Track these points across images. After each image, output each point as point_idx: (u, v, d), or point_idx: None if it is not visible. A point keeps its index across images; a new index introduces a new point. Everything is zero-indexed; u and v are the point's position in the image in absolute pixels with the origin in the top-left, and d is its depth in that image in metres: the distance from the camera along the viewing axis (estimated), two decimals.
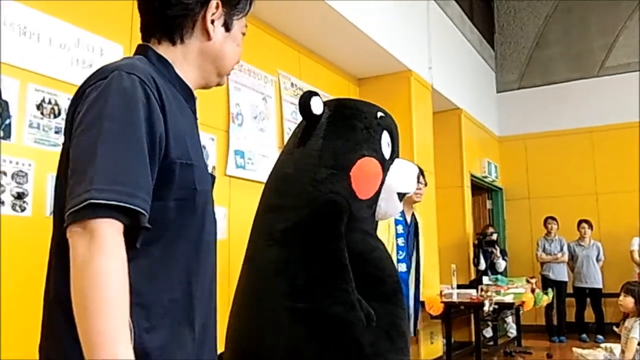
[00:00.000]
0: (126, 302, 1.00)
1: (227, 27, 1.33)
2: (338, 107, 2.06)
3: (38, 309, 1.18)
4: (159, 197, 1.12)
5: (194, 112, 1.34)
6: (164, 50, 1.29)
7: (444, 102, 7.32)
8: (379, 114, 2.09)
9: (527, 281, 7.19)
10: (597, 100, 9.10)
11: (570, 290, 8.25)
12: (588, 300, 8.17)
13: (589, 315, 8.12)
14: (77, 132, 1.10)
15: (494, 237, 7.78)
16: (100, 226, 1.00)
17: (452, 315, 6.29)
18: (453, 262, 6.53)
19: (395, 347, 1.90)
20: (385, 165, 2.04)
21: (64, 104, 2.91)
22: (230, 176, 4.19)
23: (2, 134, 2.71)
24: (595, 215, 8.64)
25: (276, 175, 2.05)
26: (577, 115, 9.20)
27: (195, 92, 1.37)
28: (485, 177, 8.71)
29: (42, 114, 2.90)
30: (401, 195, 2.13)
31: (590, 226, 8.24)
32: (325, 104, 2.04)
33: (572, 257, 8.27)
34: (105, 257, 0.98)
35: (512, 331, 7.93)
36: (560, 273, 8.17)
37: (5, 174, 2.69)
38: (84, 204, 0.99)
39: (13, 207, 2.72)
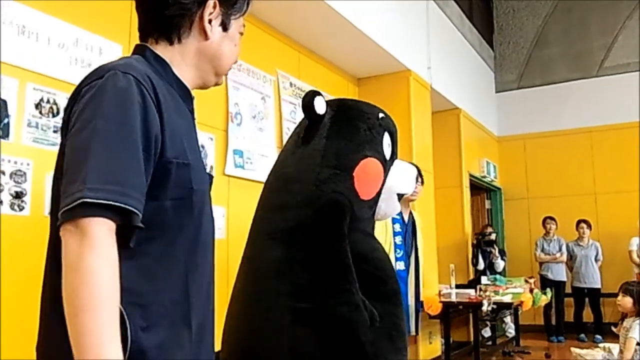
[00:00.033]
0: (116, 301, 1.01)
1: (225, 26, 1.33)
2: (341, 108, 2.07)
3: (37, 308, 1.19)
4: (155, 196, 1.12)
5: (192, 112, 1.34)
6: (162, 50, 1.29)
7: (443, 102, 7.32)
8: (380, 114, 2.10)
9: (526, 281, 7.20)
10: (596, 101, 9.11)
11: (568, 290, 8.26)
12: (587, 300, 8.17)
13: (588, 315, 8.13)
14: (72, 131, 1.10)
15: (493, 237, 7.79)
16: (92, 225, 1.00)
17: (451, 315, 6.30)
18: (452, 262, 6.54)
19: (395, 348, 1.91)
20: (386, 166, 2.05)
21: (63, 103, 2.91)
22: (229, 176, 4.19)
23: (0, 133, 2.71)
24: (594, 215, 8.65)
25: (277, 175, 2.05)
26: (576, 115, 9.20)
27: (194, 92, 1.37)
28: (484, 177, 8.72)
29: (40, 113, 2.90)
30: (400, 196, 2.14)
31: (589, 226, 8.24)
32: (328, 103, 2.04)
33: (571, 257, 8.28)
34: (95, 255, 0.99)
35: (511, 331, 7.94)
36: (559, 273, 8.17)
37: (3, 173, 2.69)
38: (77, 202, 1.00)
39: (11, 206, 2.72)
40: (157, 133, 1.12)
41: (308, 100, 1.96)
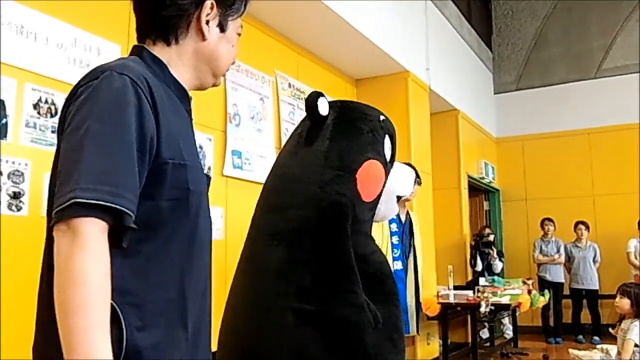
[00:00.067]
0: (107, 301, 1.01)
1: (222, 27, 1.33)
2: (343, 109, 2.07)
3: (35, 308, 1.18)
4: (151, 197, 1.13)
5: (189, 113, 1.34)
6: (159, 51, 1.29)
7: (441, 103, 7.33)
8: (381, 117, 2.11)
9: (524, 282, 7.21)
10: (595, 102, 9.11)
11: (566, 291, 8.26)
12: (584, 301, 8.17)
13: (586, 316, 8.13)
14: (67, 131, 1.11)
15: (491, 238, 7.80)
16: (83, 225, 1.00)
17: (449, 316, 6.31)
18: (450, 263, 6.54)
19: (395, 349, 1.93)
20: (387, 168, 2.06)
21: (61, 103, 2.89)
22: (227, 176, 4.19)
23: None
24: (592, 216, 8.66)
25: (278, 175, 2.05)
26: (575, 116, 9.21)
27: (191, 93, 1.37)
28: (483, 178, 8.72)
29: (38, 113, 2.89)
30: (398, 197, 2.16)
31: (587, 228, 8.25)
32: (330, 105, 2.04)
33: (569, 259, 8.29)
34: (86, 256, 0.99)
35: (509, 332, 7.95)
36: (557, 274, 8.18)
37: (1, 173, 2.69)
38: (69, 203, 1.00)
39: (9, 206, 2.72)
40: (153, 134, 1.13)
41: (311, 101, 1.96)
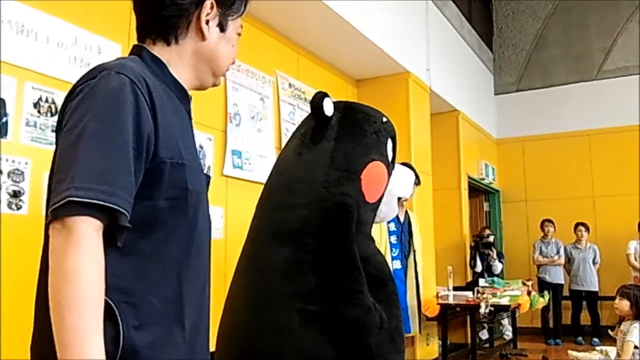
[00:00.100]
0: (100, 300, 1.01)
1: (222, 27, 1.33)
2: (347, 110, 2.08)
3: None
4: (148, 196, 1.13)
5: (189, 113, 1.34)
6: (159, 50, 1.29)
7: (442, 103, 7.33)
8: (384, 119, 2.13)
9: (524, 283, 7.21)
10: (595, 103, 9.11)
11: (566, 292, 8.26)
12: (584, 303, 8.17)
13: (585, 318, 8.13)
14: (64, 130, 1.11)
15: (491, 239, 7.79)
16: (78, 223, 1.01)
17: (448, 317, 6.31)
18: (449, 264, 6.54)
19: (396, 349, 1.94)
20: (389, 169, 2.07)
21: (61, 102, 2.91)
22: (227, 176, 4.19)
23: None
24: (592, 218, 8.66)
25: (283, 175, 2.04)
26: (575, 118, 9.21)
27: (191, 92, 1.37)
28: (483, 179, 8.72)
29: (39, 112, 2.89)
30: (398, 199, 2.17)
31: (587, 229, 8.25)
32: (334, 105, 2.05)
33: (569, 260, 8.28)
34: (80, 254, 0.99)
35: (508, 333, 7.94)
36: (557, 276, 8.18)
37: (1, 172, 2.69)
38: (64, 201, 1.01)
39: (9, 205, 2.72)
40: (150, 133, 1.13)
41: (317, 102, 1.96)
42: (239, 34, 1.40)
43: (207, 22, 1.30)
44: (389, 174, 2.08)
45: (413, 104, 6.10)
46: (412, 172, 3.17)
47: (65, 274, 0.99)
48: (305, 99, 5.24)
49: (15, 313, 2.50)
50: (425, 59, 6.62)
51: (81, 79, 1.17)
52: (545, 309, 8.02)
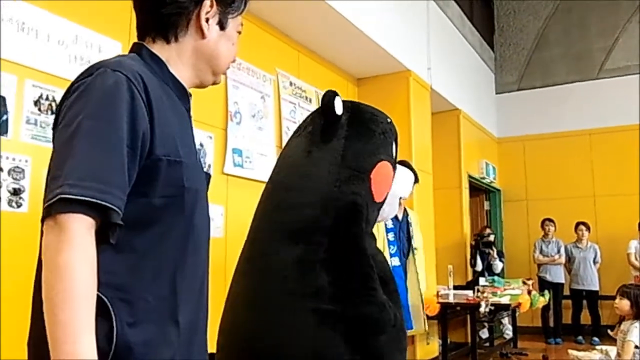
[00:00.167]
0: (92, 297, 1.02)
1: (222, 25, 1.33)
2: (356, 110, 2.08)
3: None
4: (144, 193, 1.13)
5: (188, 110, 1.34)
6: (158, 48, 1.29)
7: (442, 102, 7.32)
8: (388, 119, 2.14)
9: (524, 283, 7.20)
10: (596, 103, 9.11)
11: (567, 292, 8.26)
12: (584, 302, 8.17)
13: (585, 317, 8.13)
14: (59, 128, 1.12)
15: (491, 238, 7.79)
16: (70, 221, 1.01)
17: (449, 316, 6.31)
18: (450, 263, 6.54)
19: (401, 347, 1.95)
20: (394, 170, 2.09)
21: None
22: (227, 174, 4.19)
23: None
24: (593, 217, 8.65)
25: (291, 173, 2.02)
26: (576, 117, 9.20)
27: (192, 90, 1.37)
28: (483, 178, 8.72)
29: (39, 110, 2.89)
30: (399, 198, 2.19)
31: (588, 228, 8.25)
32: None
33: (569, 259, 8.28)
34: (72, 251, 1.00)
35: (508, 332, 7.94)
36: (557, 275, 8.18)
37: (1, 169, 2.69)
38: (56, 198, 1.01)
39: (9, 203, 2.72)
40: (146, 130, 1.13)
41: (328, 100, 1.96)
42: (239, 32, 1.40)
43: (207, 20, 1.30)
44: (394, 175, 2.10)
45: (414, 103, 6.10)
46: (411, 173, 3.16)
47: (58, 271, 0.99)
48: (306, 97, 5.24)
49: (15, 311, 2.50)
50: (426, 58, 6.62)
51: (79, 76, 1.17)
52: (545, 308, 8.01)
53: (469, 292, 6.24)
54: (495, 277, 7.35)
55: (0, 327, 2.54)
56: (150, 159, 1.14)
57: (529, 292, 6.87)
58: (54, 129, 1.19)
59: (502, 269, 7.98)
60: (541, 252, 8.30)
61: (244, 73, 4.46)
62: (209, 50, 1.32)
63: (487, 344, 7.59)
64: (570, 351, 4.98)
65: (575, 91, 9.35)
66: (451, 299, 6.04)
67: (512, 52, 10.01)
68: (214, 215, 3.95)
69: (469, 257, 7.78)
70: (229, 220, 4.11)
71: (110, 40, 3.30)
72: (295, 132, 2.15)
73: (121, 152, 1.08)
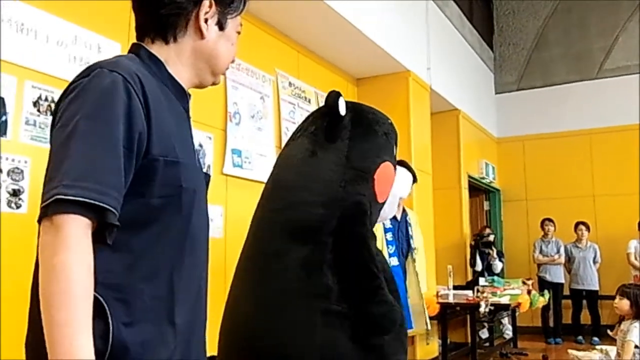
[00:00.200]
0: (89, 297, 1.02)
1: (221, 25, 1.33)
2: (358, 111, 2.09)
3: None
4: (140, 193, 1.13)
5: (187, 111, 1.34)
6: (157, 49, 1.29)
7: (442, 102, 7.32)
8: (389, 120, 2.15)
9: (524, 283, 7.21)
10: (596, 103, 9.11)
11: (566, 292, 8.26)
12: (584, 302, 8.17)
13: (585, 317, 8.13)
14: (56, 128, 1.13)
15: (491, 238, 7.79)
16: (66, 222, 1.02)
17: (448, 316, 6.31)
18: (450, 263, 6.54)
19: (403, 347, 1.96)
20: (395, 171, 2.11)
21: None
22: (227, 175, 4.19)
23: None
24: (593, 217, 8.65)
25: (295, 173, 2.01)
26: (575, 117, 9.20)
27: (191, 91, 1.37)
28: (483, 178, 8.72)
29: (38, 111, 2.89)
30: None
31: (588, 228, 8.25)
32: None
33: (569, 259, 8.28)
34: (68, 252, 1.00)
35: (508, 332, 7.94)
36: (557, 275, 8.18)
37: (1, 170, 2.69)
38: (52, 199, 1.02)
39: (9, 204, 2.72)
40: (142, 131, 1.13)
41: (333, 101, 1.97)
42: (239, 33, 1.40)
43: (206, 20, 1.30)
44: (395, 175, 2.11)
45: (413, 103, 6.10)
46: (409, 173, 3.17)
47: (54, 272, 1.00)
48: (306, 97, 5.24)
49: (15, 312, 2.50)
50: (425, 58, 6.62)
51: (76, 77, 1.18)
52: (545, 308, 8.01)
53: (469, 292, 6.25)
54: (495, 277, 7.35)
55: (0, 327, 2.54)
56: (147, 159, 1.14)
57: (529, 292, 6.87)
58: (51, 129, 1.19)
59: (502, 269, 7.98)
60: (541, 252, 8.30)
61: (243, 73, 4.46)
62: (208, 50, 1.32)
63: (487, 344, 7.59)
64: (570, 351, 4.98)
65: (575, 91, 9.34)
66: (451, 299, 6.04)
67: (511, 52, 10.01)
68: (213, 216, 3.96)
69: (468, 257, 7.78)
70: (228, 220, 4.11)
71: (110, 40, 3.29)
72: (295, 133, 2.15)
73: (118, 153, 1.08)
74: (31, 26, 2.89)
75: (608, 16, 9.29)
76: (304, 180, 1.97)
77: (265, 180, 2.12)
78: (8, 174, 2.73)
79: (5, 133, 2.74)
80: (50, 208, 1.02)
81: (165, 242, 1.18)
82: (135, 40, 1.34)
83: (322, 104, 2.08)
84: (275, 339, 1.80)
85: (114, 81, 1.12)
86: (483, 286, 6.65)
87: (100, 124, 1.08)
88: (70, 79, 1.20)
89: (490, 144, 9.47)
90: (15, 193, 2.75)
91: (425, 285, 4.95)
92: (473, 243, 7.85)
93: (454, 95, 7.62)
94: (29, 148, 2.83)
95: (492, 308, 5.97)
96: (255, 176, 4.30)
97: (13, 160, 2.75)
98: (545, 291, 7.60)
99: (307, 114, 2.29)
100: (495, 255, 7.72)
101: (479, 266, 7.65)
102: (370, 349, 1.80)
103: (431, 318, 5.85)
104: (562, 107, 9.33)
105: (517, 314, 7.65)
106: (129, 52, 1.31)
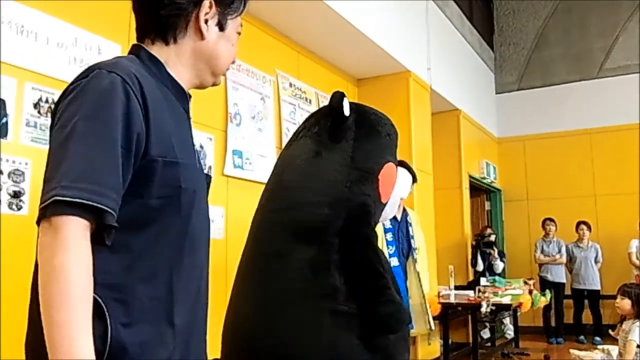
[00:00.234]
0: (88, 298, 1.02)
1: (221, 26, 1.33)
2: (361, 112, 2.09)
3: None
4: (139, 194, 1.13)
5: (187, 111, 1.34)
6: (157, 50, 1.29)
7: (442, 103, 7.32)
8: (390, 120, 2.16)
9: (525, 282, 7.20)
10: (596, 102, 9.11)
11: (568, 291, 8.25)
12: (586, 301, 8.16)
13: (587, 316, 8.12)
14: (55, 130, 1.13)
15: (492, 238, 7.79)
16: (65, 223, 1.02)
17: (450, 316, 6.30)
18: (451, 263, 6.53)
19: (406, 346, 1.98)
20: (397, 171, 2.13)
21: None
22: (227, 176, 4.19)
23: None
24: (594, 217, 8.65)
25: (300, 173, 2.01)
26: (576, 116, 9.20)
27: (192, 92, 1.37)
28: (484, 178, 8.72)
29: (39, 112, 2.89)
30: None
31: (589, 228, 8.24)
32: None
33: (571, 259, 8.28)
34: (67, 253, 1.00)
35: (510, 332, 7.94)
36: (558, 274, 8.17)
37: (1, 172, 2.69)
38: (50, 200, 1.02)
39: (9, 205, 2.72)
40: (141, 131, 1.13)
41: (338, 101, 1.97)
42: (239, 33, 1.40)
43: (206, 21, 1.30)
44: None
45: (414, 103, 6.10)
46: (409, 173, 3.16)
47: (54, 273, 1.00)
48: (306, 98, 5.24)
49: (15, 313, 2.50)
50: (426, 58, 6.62)
51: (75, 78, 1.18)
52: (547, 308, 8.00)
53: (470, 293, 6.24)
54: (497, 277, 7.35)
55: (0, 328, 2.54)
56: (146, 160, 1.14)
57: (530, 292, 6.86)
58: (50, 130, 1.19)
59: (503, 269, 7.97)
60: (542, 251, 8.29)
61: (244, 74, 4.45)
62: (208, 51, 1.32)
63: (489, 344, 7.58)
64: (572, 351, 4.97)
65: (575, 91, 9.34)
66: (452, 299, 6.04)
67: (511, 51, 10.01)
68: (214, 217, 3.95)
69: (469, 257, 7.78)
70: (229, 221, 4.11)
71: (110, 42, 3.29)
72: (297, 133, 2.14)
73: (116, 154, 1.08)
74: (31, 28, 2.89)
75: (608, 16, 9.29)
76: (308, 180, 1.97)
77: (266, 181, 2.11)
78: (9, 176, 2.73)
79: (5, 135, 2.74)
80: (49, 209, 1.02)
81: (165, 243, 1.18)
82: (135, 42, 1.34)
83: (322, 104, 2.09)
84: (275, 339, 1.80)
85: (112, 82, 1.12)
86: (484, 286, 6.65)
87: (98, 125, 1.08)
88: (71, 81, 1.20)
89: (490, 143, 9.47)
90: (16, 195, 2.75)
91: (428, 285, 4.94)
92: (474, 243, 7.84)
93: (455, 95, 7.62)
94: (30, 150, 2.83)
95: (493, 308, 5.97)
96: (256, 177, 4.30)
97: (14, 162, 2.75)
98: (547, 291, 7.59)
99: (307, 114, 2.29)
100: (496, 255, 7.71)
101: (480, 266, 7.65)
102: (376, 349, 1.81)
103: (433, 318, 5.86)
104: (563, 107, 9.33)
105: (518, 314, 7.63)
106: (129, 53, 1.31)
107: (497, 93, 10.01)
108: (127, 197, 1.11)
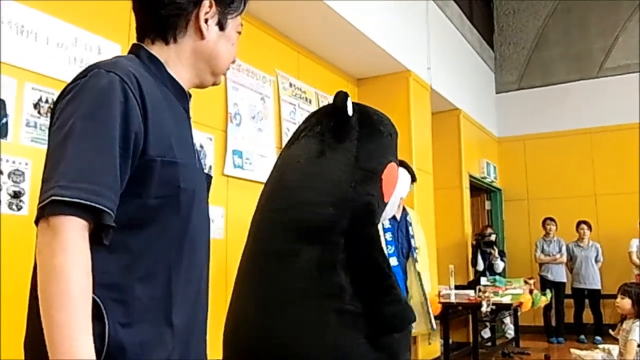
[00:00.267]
0: (87, 298, 1.02)
1: (222, 26, 1.33)
2: (363, 112, 2.10)
3: None
4: (137, 194, 1.13)
5: (187, 111, 1.34)
6: (157, 50, 1.29)
7: (442, 102, 7.32)
8: (390, 120, 2.17)
9: (526, 282, 7.20)
10: (596, 102, 9.10)
11: (568, 291, 8.25)
12: (586, 301, 8.16)
13: (588, 316, 8.12)
14: (53, 129, 1.13)
15: (493, 237, 7.78)
16: (63, 223, 1.02)
17: (450, 315, 6.30)
18: (451, 263, 6.53)
19: (407, 345, 1.99)
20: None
21: None
22: (227, 176, 4.19)
23: None
24: (594, 216, 8.65)
25: (303, 172, 2.01)
26: (576, 116, 9.20)
27: (192, 92, 1.36)
28: (484, 177, 8.71)
29: (39, 113, 2.89)
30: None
31: (589, 227, 8.24)
32: None
33: (571, 258, 8.28)
34: (65, 254, 1.00)
35: (510, 332, 7.93)
36: (559, 274, 8.17)
37: (1, 172, 2.69)
38: (48, 200, 1.02)
39: (9, 205, 2.72)
40: (139, 131, 1.13)
41: (342, 101, 1.97)
42: (239, 33, 1.40)
43: (206, 21, 1.29)
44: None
45: (414, 103, 6.10)
46: (407, 173, 3.16)
47: (53, 273, 1.00)
48: (306, 98, 5.24)
49: (15, 313, 2.50)
50: (426, 58, 6.61)
51: (74, 78, 1.17)
52: (547, 308, 8.00)
53: (471, 292, 6.24)
54: (497, 277, 7.34)
55: (0, 328, 2.54)
56: (144, 159, 1.14)
57: (531, 292, 6.86)
58: (49, 130, 1.19)
59: (504, 269, 7.97)
60: (542, 251, 8.29)
61: (244, 74, 4.45)
62: (208, 50, 1.32)
63: (489, 344, 7.57)
64: (572, 350, 4.97)
65: (575, 90, 9.34)
66: (453, 299, 6.03)
67: (511, 51, 10.01)
68: (214, 217, 3.95)
69: (470, 256, 7.78)
70: (229, 221, 4.11)
71: (110, 42, 3.29)
72: (298, 133, 2.13)
73: (114, 154, 1.08)
74: (31, 28, 2.89)
75: (608, 16, 9.29)
76: (310, 180, 1.96)
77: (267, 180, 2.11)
78: (9, 176, 2.72)
79: (5, 135, 2.74)
80: (47, 209, 1.02)
81: (164, 243, 1.18)
82: (135, 42, 1.34)
83: (322, 104, 2.09)
84: (277, 339, 1.80)
85: (110, 81, 1.11)
86: (485, 286, 6.65)
87: (96, 125, 1.08)
88: (70, 80, 1.20)
89: (491, 143, 9.47)
90: (16, 195, 2.75)
91: (430, 284, 4.94)
92: (474, 243, 7.84)
93: (455, 94, 7.62)
94: (30, 150, 2.83)
95: (494, 308, 5.97)
96: (256, 177, 4.30)
97: (14, 162, 2.75)
98: (547, 290, 7.59)
99: (307, 114, 2.29)
100: (496, 254, 7.71)
101: (480, 266, 7.64)
102: (381, 348, 1.82)
103: (434, 318, 5.86)
104: (563, 107, 9.33)
105: (519, 313, 7.64)
106: (129, 53, 1.31)
107: (497, 93, 10.01)
108: (125, 196, 1.10)
